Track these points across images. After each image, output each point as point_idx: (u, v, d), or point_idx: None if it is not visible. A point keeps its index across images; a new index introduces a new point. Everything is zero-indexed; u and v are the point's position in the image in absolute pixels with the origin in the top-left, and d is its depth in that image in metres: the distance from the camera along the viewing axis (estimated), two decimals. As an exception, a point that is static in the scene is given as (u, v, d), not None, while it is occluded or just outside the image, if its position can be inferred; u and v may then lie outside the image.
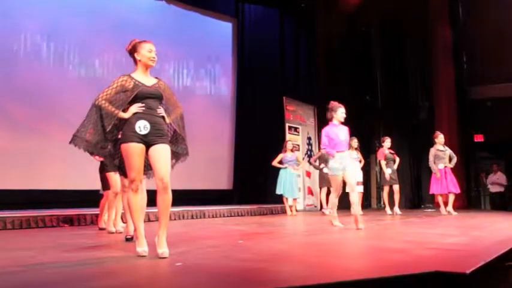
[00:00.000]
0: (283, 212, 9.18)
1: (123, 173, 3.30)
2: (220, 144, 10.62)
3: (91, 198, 6.58)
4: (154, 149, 3.15)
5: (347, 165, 5.40)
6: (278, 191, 8.91)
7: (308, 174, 11.17)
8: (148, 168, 3.30)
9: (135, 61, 3.31)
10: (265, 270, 2.60)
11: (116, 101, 3.16)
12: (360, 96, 12.13)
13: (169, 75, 9.54)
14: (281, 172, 8.94)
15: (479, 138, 11.66)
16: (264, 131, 10.46)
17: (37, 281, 2.40)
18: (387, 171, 8.79)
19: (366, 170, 10.74)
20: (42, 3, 8.11)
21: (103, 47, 8.54)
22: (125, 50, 3.35)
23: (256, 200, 9.79)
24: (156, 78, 3.36)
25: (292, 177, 8.95)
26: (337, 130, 5.47)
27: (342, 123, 5.55)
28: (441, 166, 8.29)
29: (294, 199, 9.08)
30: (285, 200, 8.97)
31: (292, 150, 9.16)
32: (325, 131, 5.53)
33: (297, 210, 9.28)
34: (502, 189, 11.64)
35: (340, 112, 5.51)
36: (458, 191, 8.32)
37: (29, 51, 7.82)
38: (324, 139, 5.51)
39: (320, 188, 9.43)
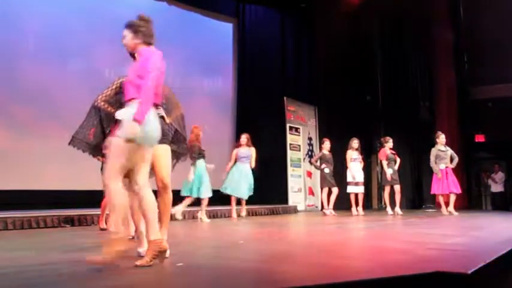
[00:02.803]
0: (284, 212, 9.14)
1: (124, 173, 3.29)
2: (220, 144, 10.60)
3: (92, 199, 6.58)
4: (154, 150, 3.14)
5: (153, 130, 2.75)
6: (224, 190, 7.86)
7: (309, 174, 11.16)
8: (148, 168, 3.29)
9: (135, 61, 3.30)
10: (265, 270, 2.60)
11: (116, 102, 3.16)
12: (361, 96, 12.12)
13: (169, 76, 9.49)
14: (233, 169, 7.91)
15: (480, 138, 11.67)
16: (264, 132, 10.44)
17: (38, 281, 2.40)
18: (388, 172, 8.78)
19: (367, 170, 10.72)
20: (43, 4, 8.12)
21: (104, 47, 8.52)
22: (125, 51, 3.35)
23: (256, 200, 9.79)
24: (155, 78, 3.35)
25: (242, 173, 7.83)
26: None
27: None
28: (442, 166, 8.29)
29: (242, 199, 7.91)
30: (233, 200, 7.88)
31: (247, 145, 7.94)
32: None
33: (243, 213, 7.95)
34: (502, 188, 11.67)
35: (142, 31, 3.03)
36: (459, 191, 8.32)
37: (29, 51, 7.82)
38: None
39: (321, 189, 9.42)
